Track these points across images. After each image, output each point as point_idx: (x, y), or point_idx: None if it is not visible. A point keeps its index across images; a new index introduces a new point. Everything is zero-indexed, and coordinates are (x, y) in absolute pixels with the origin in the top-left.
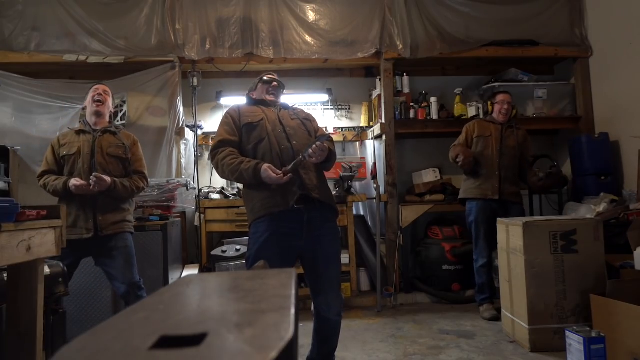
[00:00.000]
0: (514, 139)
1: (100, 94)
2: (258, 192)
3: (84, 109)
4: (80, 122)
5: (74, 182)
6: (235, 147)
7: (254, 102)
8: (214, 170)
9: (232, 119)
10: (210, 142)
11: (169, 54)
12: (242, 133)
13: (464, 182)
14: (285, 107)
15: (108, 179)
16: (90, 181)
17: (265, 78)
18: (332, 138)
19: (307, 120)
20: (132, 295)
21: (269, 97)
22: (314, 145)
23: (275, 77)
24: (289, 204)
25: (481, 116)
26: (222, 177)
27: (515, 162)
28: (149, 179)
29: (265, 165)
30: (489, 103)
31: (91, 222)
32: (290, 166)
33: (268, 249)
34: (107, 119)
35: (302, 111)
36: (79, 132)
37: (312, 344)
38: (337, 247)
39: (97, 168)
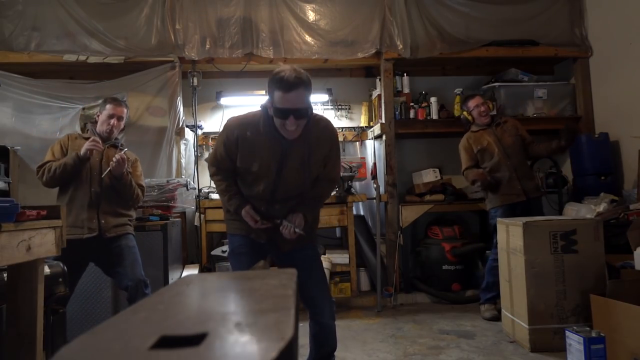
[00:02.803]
0: (508, 133)
1: (112, 124)
2: (235, 220)
3: (94, 122)
4: (87, 129)
5: (89, 143)
6: (229, 168)
7: (266, 128)
8: None
9: (227, 151)
10: (211, 143)
11: (169, 54)
12: (237, 150)
13: (489, 193)
14: (303, 136)
15: (126, 165)
16: (115, 159)
17: (277, 106)
18: (335, 176)
19: (316, 160)
20: (140, 292)
21: (287, 134)
22: (287, 228)
23: (292, 104)
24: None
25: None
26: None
27: (523, 156)
28: (144, 192)
29: (247, 208)
30: (466, 114)
31: (95, 222)
32: (268, 224)
33: (242, 246)
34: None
35: (324, 133)
36: (88, 139)
37: (309, 349)
38: (315, 252)
39: (105, 178)
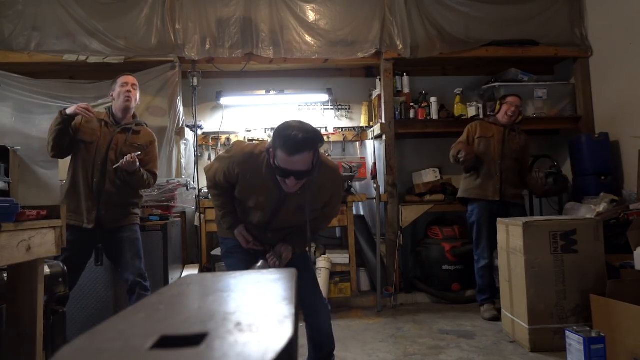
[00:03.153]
0: (516, 142)
1: (129, 90)
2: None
3: (112, 99)
4: (105, 110)
5: (77, 107)
6: (227, 189)
7: (268, 169)
8: None
9: (226, 179)
10: (211, 143)
11: (169, 54)
12: (236, 183)
13: (463, 180)
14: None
15: (137, 164)
16: (125, 159)
17: (278, 166)
18: (334, 213)
19: (318, 200)
20: (140, 285)
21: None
22: (270, 262)
23: (295, 166)
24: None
25: (481, 116)
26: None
27: (517, 165)
28: (157, 178)
29: (241, 228)
30: (498, 102)
31: (94, 213)
32: (259, 249)
33: (237, 247)
34: (133, 111)
35: (328, 183)
36: (101, 121)
37: (308, 351)
38: (304, 256)
39: (109, 164)
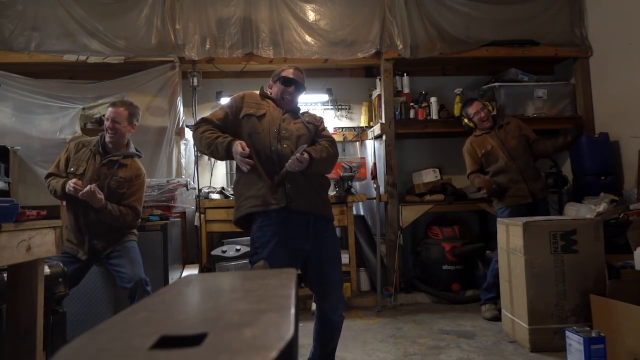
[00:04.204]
0: (512, 135)
1: (109, 124)
2: (243, 193)
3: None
4: (97, 138)
5: (71, 183)
6: (217, 129)
7: (266, 95)
8: (214, 170)
9: (230, 109)
10: None
11: (169, 54)
12: (240, 122)
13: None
14: (294, 111)
15: (102, 198)
16: (86, 189)
17: (283, 75)
18: (332, 138)
19: (310, 124)
20: (139, 291)
21: (282, 103)
22: (292, 157)
23: (295, 77)
24: (270, 207)
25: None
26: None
27: (528, 157)
28: (140, 215)
29: (238, 141)
30: (467, 120)
31: (86, 246)
32: (277, 177)
33: (278, 254)
34: (126, 141)
35: (311, 115)
36: (92, 153)
37: (313, 346)
38: (339, 248)
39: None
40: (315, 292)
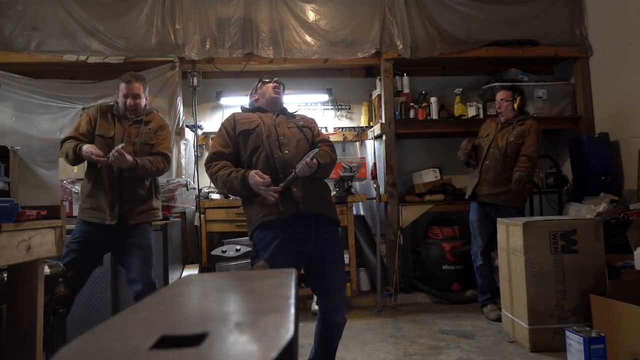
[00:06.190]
0: (506, 137)
1: (130, 100)
2: (254, 207)
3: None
4: (114, 106)
5: (90, 149)
6: (229, 159)
7: (251, 108)
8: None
9: (226, 130)
10: (210, 142)
11: (169, 54)
12: (238, 142)
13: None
14: (284, 113)
15: (130, 158)
16: (111, 155)
17: (265, 79)
18: (331, 143)
19: (305, 127)
20: (147, 295)
21: (273, 102)
22: (302, 163)
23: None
24: (283, 214)
25: (481, 116)
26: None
27: (502, 163)
28: (170, 161)
29: (252, 172)
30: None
31: (116, 209)
32: (283, 183)
33: (280, 256)
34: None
35: (302, 117)
36: (114, 117)
37: (314, 346)
38: (342, 249)
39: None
40: (317, 294)
